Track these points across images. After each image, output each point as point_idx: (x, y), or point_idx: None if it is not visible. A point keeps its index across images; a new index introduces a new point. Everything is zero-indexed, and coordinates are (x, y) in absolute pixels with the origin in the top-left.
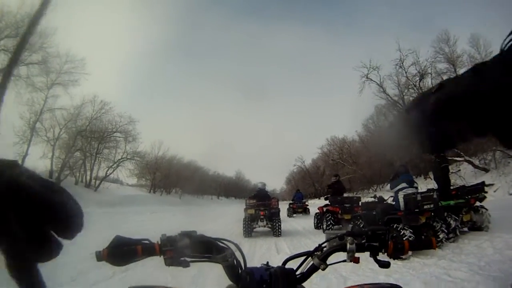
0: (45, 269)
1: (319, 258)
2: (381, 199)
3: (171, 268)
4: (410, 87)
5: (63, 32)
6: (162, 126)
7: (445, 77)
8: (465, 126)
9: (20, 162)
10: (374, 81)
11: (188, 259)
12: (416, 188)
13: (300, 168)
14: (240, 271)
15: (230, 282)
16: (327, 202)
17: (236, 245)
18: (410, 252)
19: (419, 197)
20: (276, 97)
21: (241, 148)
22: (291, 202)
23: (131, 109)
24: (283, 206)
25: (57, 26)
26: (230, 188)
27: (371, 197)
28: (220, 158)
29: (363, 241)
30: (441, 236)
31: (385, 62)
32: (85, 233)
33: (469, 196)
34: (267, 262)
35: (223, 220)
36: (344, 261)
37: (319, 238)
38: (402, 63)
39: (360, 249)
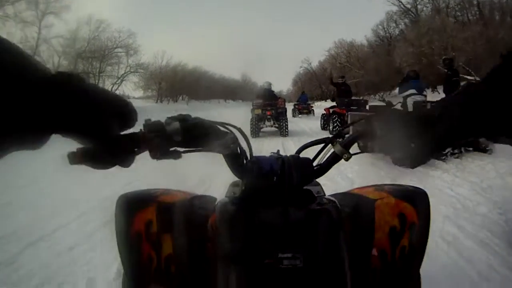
0: None
1: (342, 145)
2: (389, 104)
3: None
4: None
5: None
6: (162, 35)
7: None
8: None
9: None
10: None
11: (180, 149)
12: (425, 96)
13: (306, 70)
14: (245, 161)
15: (235, 178)
16: (333, 103)
17: (239, 129)
18: None
19: (429, 106)
20: None
21: (246, 50)
22: (296, 103)
23: (129, 23)
24: (289, 107)
25: None
26: (237, 91)
27: (379, 100)
28: (225, 61)
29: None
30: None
31: None
32: None
33: None
34: (278, 151)
35: (230, 120)
36: (372, 151)
37: None
38: None
39: (392, 135)
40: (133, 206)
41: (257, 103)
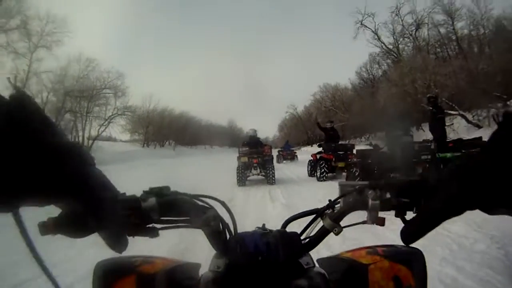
0: None
1: (332, 218)
2: (376, 147)
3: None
4: (405, 36)
5: None
6: (151, 79)
7: (441, 29)
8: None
9: None
10: (369, 28)
11: (157, 226)
12: (412, 136)
13: (292, 115)
14: (228, 237)
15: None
16: (320, 149)
17: (222, 203)
18: None
19: (416, 147)
20: (267, 43)
21: (233, 97)
22: (280, 149)
23: (118, 64)
24: (275, 154)
25: None
26: (223, 137)
27: (367, 144)
28: (212, 107)
29: (387, 196)
30: None
31: (381, 9)
32: None
33: (466, 150)
34: (263, 225)
35: (216, 167)
36: (365, 222)
37: (314, 186)
38: (399, 11)
39: (385, 206)
40: (112, 275)
41: (243, 151)
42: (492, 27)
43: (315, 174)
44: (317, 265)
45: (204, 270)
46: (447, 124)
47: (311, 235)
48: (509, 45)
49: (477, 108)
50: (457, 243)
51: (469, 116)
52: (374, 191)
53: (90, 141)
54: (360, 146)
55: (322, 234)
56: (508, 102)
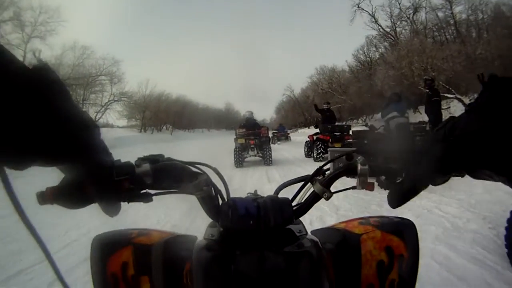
0: None
1: (322, 183)
2: (372, 128)
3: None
4: (403, 19)
5: None
6: (147, 64)
7: (439, 13)
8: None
9: None
10: (366, 11)
11: (151, 191)
12: (407, 118)
13: (289, 97)
14: (220, 203)
15: None
16: (317, 130)
17: (214, 169)
18: None
19: (411, 128)
20: (264, 25)
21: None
22: (275, 131)
23: (113, 50)
24: (271, 135)
25: None
26: (220, 120)
27: (363, 125)
28: (209, 91)
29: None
30: None
31: None
32: None
33: None
34: (255, 191)
35: (213, 150)
36: (354, 187)
37: (310, 167)
38: None
39: (375, 172)
40: (109, 247)
41: (240, 132)
42: (491, 12)
43: (312, 155)
44: (309, 233)
45: None
46: (443, 107)
47: (302, 200)
48: (508, 31)
49: (474, 92)
50: (450, 222)
51: (466, 100)
52: (363, 157)
53: None
54: (357, 127)
55: (312, 200)
56: None
